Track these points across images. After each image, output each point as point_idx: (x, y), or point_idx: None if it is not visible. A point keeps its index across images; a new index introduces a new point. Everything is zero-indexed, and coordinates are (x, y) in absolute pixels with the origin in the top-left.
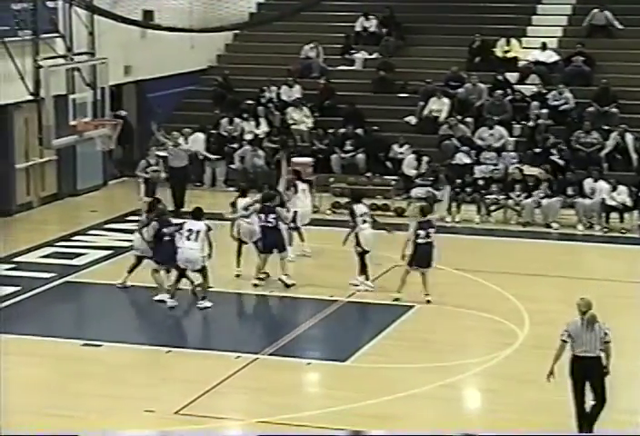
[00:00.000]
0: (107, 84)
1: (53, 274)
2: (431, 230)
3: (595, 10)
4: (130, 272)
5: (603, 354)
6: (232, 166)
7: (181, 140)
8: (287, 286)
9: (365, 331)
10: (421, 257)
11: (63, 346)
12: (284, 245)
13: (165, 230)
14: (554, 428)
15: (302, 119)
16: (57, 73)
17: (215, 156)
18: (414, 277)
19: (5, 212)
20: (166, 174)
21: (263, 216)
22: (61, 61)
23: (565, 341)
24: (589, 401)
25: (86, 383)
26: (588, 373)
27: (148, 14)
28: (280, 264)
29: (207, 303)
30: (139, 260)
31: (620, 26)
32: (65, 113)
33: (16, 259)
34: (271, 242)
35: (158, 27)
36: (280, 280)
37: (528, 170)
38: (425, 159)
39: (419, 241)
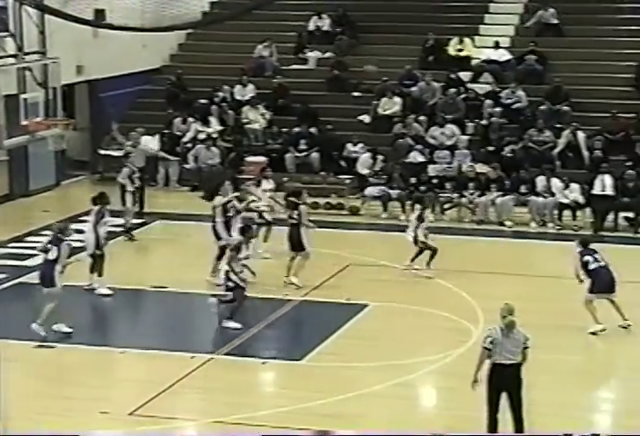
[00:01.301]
0: (59, 83)
1: (5, 275)
2: (597, 255)
3: (541, 11)
4: (93, 272)
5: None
6: (185, 166)
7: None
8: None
9: (319, 330)
10: (602, 282)
11: (16, 348)
12: (301, 245)
13: (48, 245)
14: (508, 425)
15: (257, 118)
16: (8, 72)
17: (175, 158)
18: (368, 274)
19: None
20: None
21: (289, 212)
22: (11, 60)
23: (487, 349)
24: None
25: (40, 385)
26: (506, 382)
27: (100, 14)
28: (295, 264)
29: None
30: (94, 258)
31: (562, 24)
32: (16, 113)
33: None
34: (290, 239)
35: (110, 27)
36: (290, 282)
37: (480, 168)
38: (380, 158)
39: (591, 267)
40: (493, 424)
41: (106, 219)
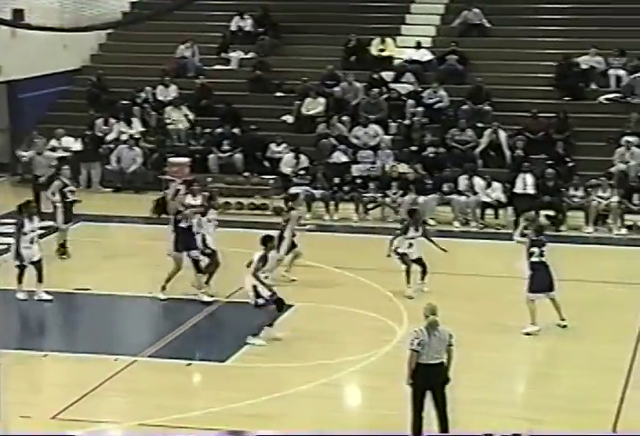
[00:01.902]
0: None
1: None
2: (544, 248)
3: (465, 11)
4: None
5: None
6: (108, 167)
7: (53, 141)
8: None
9: (244, 330)
10: (538, 279)
11: None
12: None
13: None
14: (433, 424)
15: (180, 119)
16: None
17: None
18: (293, 274)
19: None
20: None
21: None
22: None
23: (415, 351)
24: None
25: None
26: (432, 381)
27: (18, 13)
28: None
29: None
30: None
31: (488, 25)
32: None
33: None
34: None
35: (28, 27)
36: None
37: (403, 168)
38: (303, 158)
39: (534, 259)
40: (417, 423)
41: (27, 229)
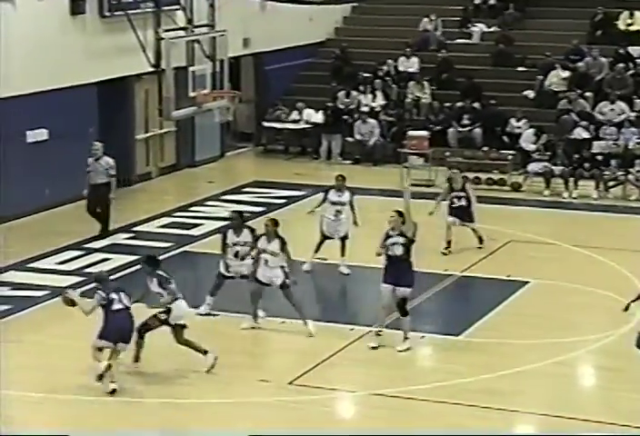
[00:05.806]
0: (226, 56)
1: (171, 244)
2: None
3: None
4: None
5: None
6: (348, 139)
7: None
8: None
9: (478, 305)
10: None
11: None
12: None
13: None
14: None
15: (421, 93)
16: (178, 45)
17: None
18: (529, 251)
19: (126, 182)
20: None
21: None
22: (181, 33)
23: None
24: None
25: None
26: None
27: None
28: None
29: None
30: None
31: None
32: (184, 85)
33: (135, 228)
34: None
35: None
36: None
37: None
38: (544, 134)
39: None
40: None
41: (229, 240)
